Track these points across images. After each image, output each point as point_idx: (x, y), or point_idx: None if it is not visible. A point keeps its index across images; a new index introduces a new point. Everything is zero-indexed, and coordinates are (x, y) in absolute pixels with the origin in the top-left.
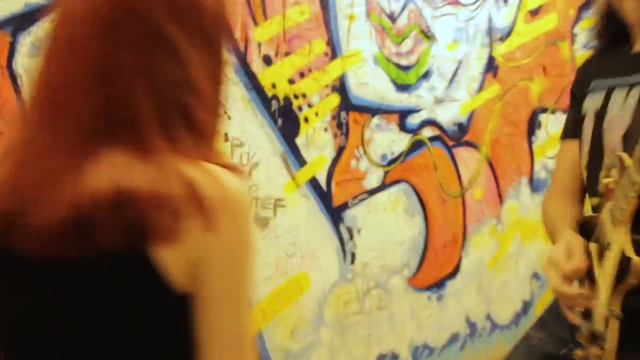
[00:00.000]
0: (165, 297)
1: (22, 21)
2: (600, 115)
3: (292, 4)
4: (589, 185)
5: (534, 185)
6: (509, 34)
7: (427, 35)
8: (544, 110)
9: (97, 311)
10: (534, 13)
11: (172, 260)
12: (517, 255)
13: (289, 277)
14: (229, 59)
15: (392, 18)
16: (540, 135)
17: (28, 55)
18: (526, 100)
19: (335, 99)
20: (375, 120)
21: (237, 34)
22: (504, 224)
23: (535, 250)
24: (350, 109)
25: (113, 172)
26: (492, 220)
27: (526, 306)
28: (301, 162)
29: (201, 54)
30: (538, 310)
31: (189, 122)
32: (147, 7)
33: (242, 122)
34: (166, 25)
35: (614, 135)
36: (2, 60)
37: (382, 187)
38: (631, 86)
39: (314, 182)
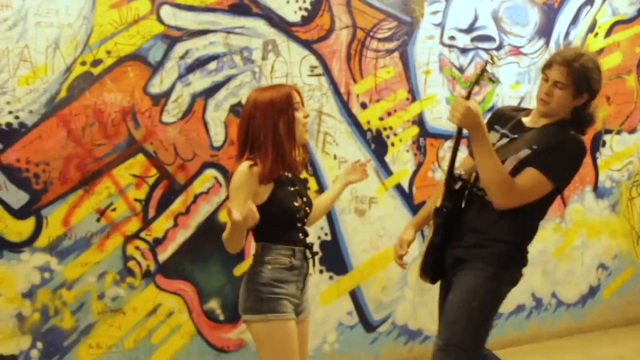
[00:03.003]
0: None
1: (210, 91)
2: None
3: (381, 67)
4: None
5: (599, 193)
6: None
7: (492, 79)
8: (609, 132)
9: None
10: (597, 54)
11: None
12: (583, 248)
13: (380, 250)
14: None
15: (461, 70)
16: (605, 151)
17: (213, 111)
18: None
19: (415, 130)
20: (448, 143)
21: (342, 89)
22: (568, 222)
23: (601, 245)
24: (427, 135)
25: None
26: (555, 219)
27: (593, 290)
28: (389, 172)
29: (280, 121)
30: (605, 294)
31: (275, 147)
32: (259, 111)
33: (345, 147)
34: (268, 116)
35: None
36: (199, 113)
37: None
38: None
39: (399, 187)
